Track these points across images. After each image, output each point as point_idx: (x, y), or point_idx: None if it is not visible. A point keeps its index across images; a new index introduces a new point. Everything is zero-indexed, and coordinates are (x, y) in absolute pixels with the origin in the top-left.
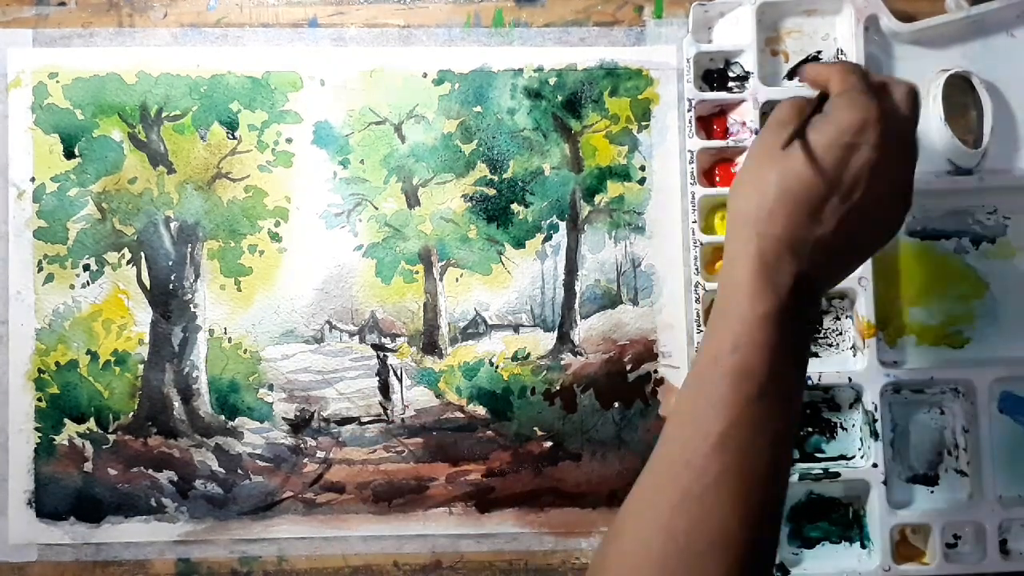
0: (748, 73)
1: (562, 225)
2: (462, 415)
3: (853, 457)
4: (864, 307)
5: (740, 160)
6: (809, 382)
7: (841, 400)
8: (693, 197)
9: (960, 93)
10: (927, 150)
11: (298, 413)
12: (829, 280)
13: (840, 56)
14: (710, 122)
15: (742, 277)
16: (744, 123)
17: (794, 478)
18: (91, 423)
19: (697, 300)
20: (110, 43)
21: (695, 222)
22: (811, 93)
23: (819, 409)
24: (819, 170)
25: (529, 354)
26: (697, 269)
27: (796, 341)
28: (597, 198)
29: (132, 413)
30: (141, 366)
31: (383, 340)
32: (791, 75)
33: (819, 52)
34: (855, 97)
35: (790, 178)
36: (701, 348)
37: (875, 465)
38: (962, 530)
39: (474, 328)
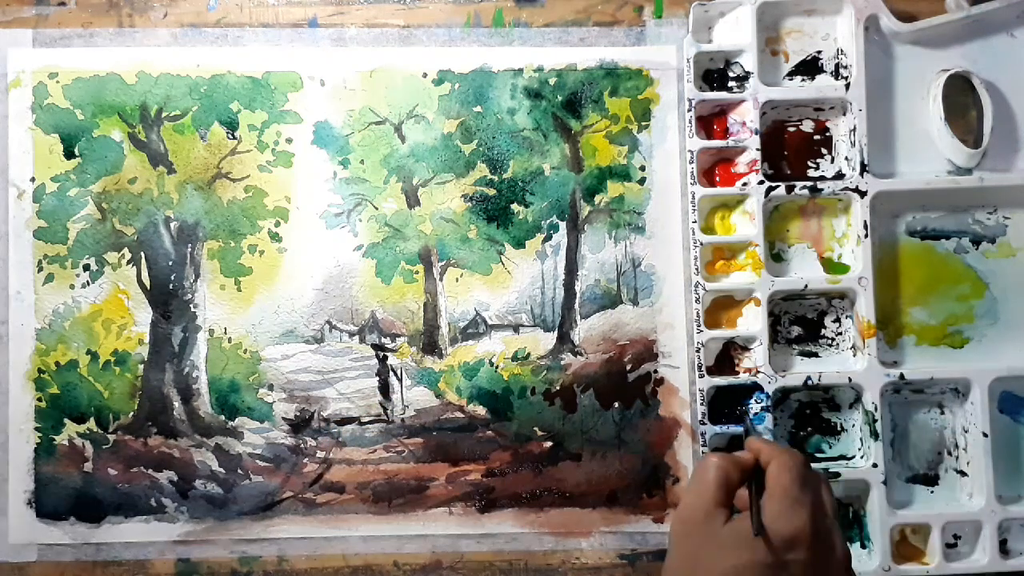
0: (748, 73)
1: (562, 225)
2: (462, 415)
3: (853, 457)
4: (864, 307)
5: (740, 160)
6: (809, 382)
7: (841, 400)
8: (693, 197)
9: (960, 93)
10: (927, 150)
11: (298, 413)
12: None
13: (840, 56)
14: (710, 122)
15: None
16: (744, 123)
17: None
18: (91, 423)
19: (697, 300)
20: (110, 43)
21: (695, 222)
22: None
23: (819, 409)
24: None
25: (529, 354)
26: (697, 269)
27: None
28: (597, 198)
29: (132, 413)
30: (141, 366)
31: (383, 340)
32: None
33: (819, 50)
34: (787, 507)
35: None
36: None
37: (875, 465)
38: (962, 530)
39: (474, 328)
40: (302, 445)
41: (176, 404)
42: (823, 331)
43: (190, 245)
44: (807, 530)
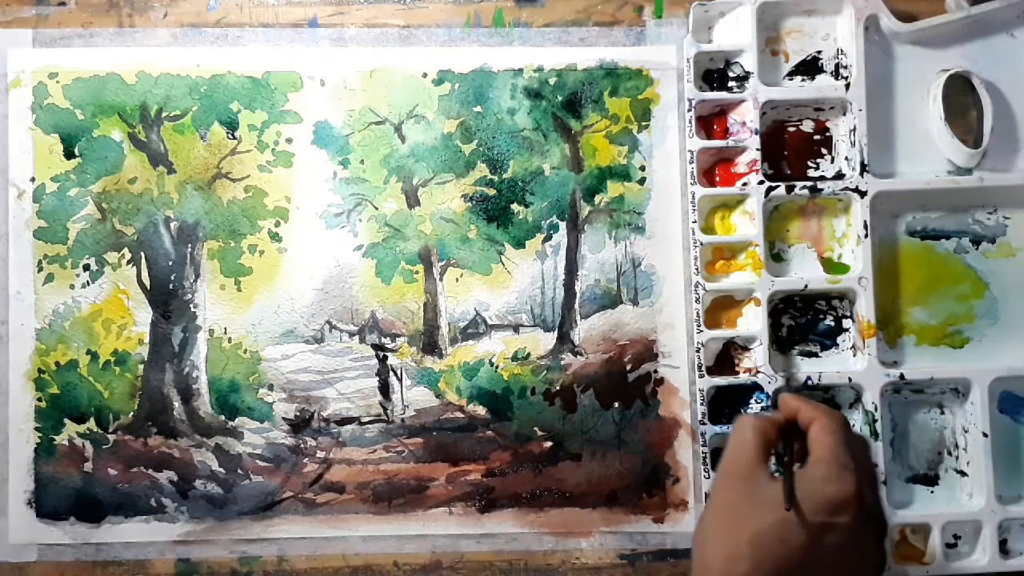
0: (748, 73)
1: (562, 225)
2: (462, 415)
3: None
4: (864, 307)
5: (740, 160)
6: (809, 382)
7: (841, 400)
8: (693, 197)
9: (960, 93)
10: (927, 150)
11: (298, 413)
12: None
13: (840, 56)
14: (710, 122)
15: None
16: (744, 123)
17: None
18: (91, 423)
19: (697, 300)
20: (110, 43)
21: (695, 222)
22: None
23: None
24: (804, 539)
25: (529, 354)
26: (697, 269)
27: None
28: (597, 198)
29: (132, 413)
30: (141, 366)
31: (383, 340)
32: (774, 403)
33: (819, 50)
34: (834, 470)
35: (771, 540)
36: None
37: (875, 465)
38: (962, 530)
39: (474, 328)
40: (302, 445)
41: (176, 404)
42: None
43: (190, 245)
44: (854, 494)
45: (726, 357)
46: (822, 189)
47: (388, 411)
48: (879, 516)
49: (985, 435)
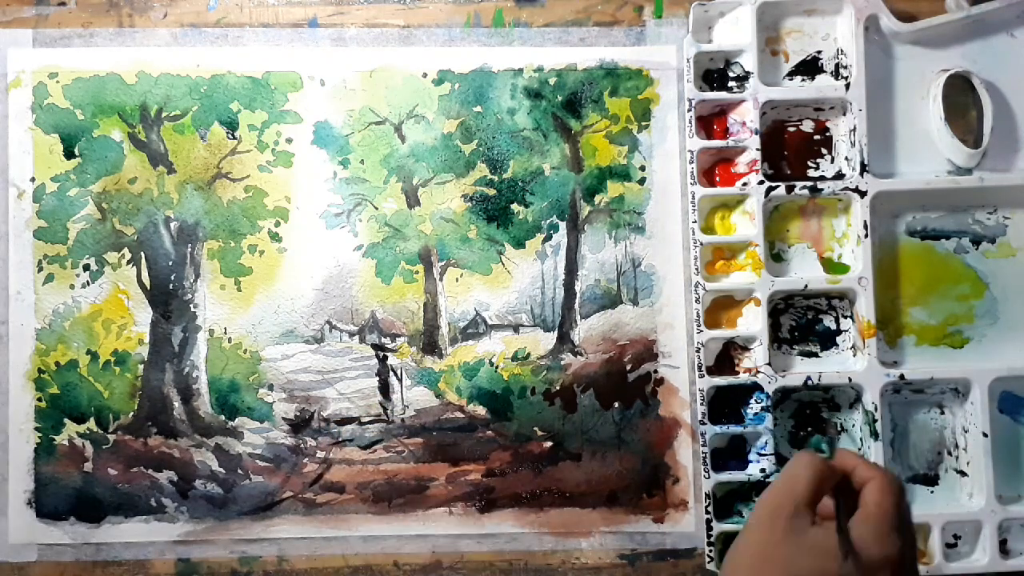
0: (748, 73)
1: (562, 225)
2: (462, 415)
3: None
4: (864, 307)
5: (740, 160)
6: (809, 382)
7: (841, 400)
8: (693, 197)
9: (960, 93)
10: (927, 150)
11: (298, 413)
12: None
13: (840, 56)
14: (710, 122)
15: None
16: (744, 123)
17: None
18: (91, 423)
19: (697, 300)
20: (110, 43)
21: (695, 222)
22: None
23: (819, 409)
24: None
25: (529, 354)
26: (697, 269)
27: None
28: (597, 198)
29: (132, 413)
30: (141, 366)
31: (383, 340)
32: (830, 448)
33: (819, 50)
34: (886, 530)
35: None
36: None
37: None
38: (962, 530)
39: (474, 328)
40: (302, 445)
41: (176, 404)
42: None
43: (190, 245)
44: (897, 558)
45: (726, 357)
46: (822, 189)
47: (388, 411)
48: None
49: (985, 435)
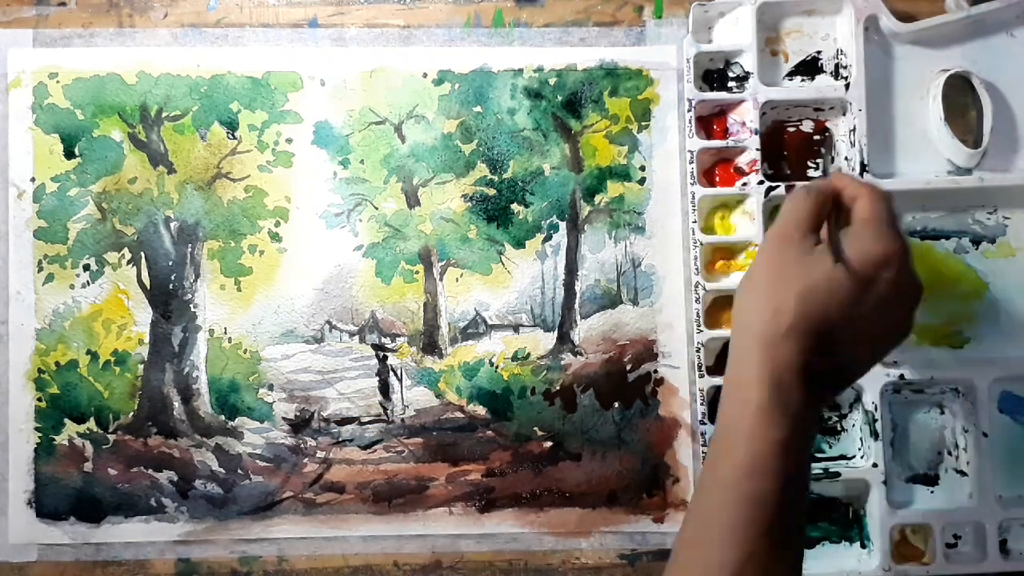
0: (748, 73)
1: (562, 225)
2: (462, 415)
3: (853, 457)
4: None
5: (740, 160)
6: None
7: (841, 400)
8: (693, 197)
9: (960, 93)
10: (927, 150)
11: (298, 413)
12: (838, 390)
13: (840, 56)
14: (710, 122)
15: (755, 400)
16: (744, 123)
17: None
18: (91, 423)
19: (697, 300)
20: (110, 43)
21: (695, 222)
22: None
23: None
24: (850, 292)
25: (529, 354)
26: (697, 269)
27: (808, 459)
28: (597, 198)
29: (132, 413)
30: (141, 366)
31: (383, 340)
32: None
33: (819, 50)
34: (883, 230)
35: (819, 293)
36: (709, 464)
37: (875, 465)
38: (962, 530)
39: (474, 328)
40: (302, 445)
41: (176, 404)
42: None
43: (190, 245)
44: (899, 250)
45: (726, 357)
46: None
47: (388, 411)
48: (916, 283)
49: (985, 435)
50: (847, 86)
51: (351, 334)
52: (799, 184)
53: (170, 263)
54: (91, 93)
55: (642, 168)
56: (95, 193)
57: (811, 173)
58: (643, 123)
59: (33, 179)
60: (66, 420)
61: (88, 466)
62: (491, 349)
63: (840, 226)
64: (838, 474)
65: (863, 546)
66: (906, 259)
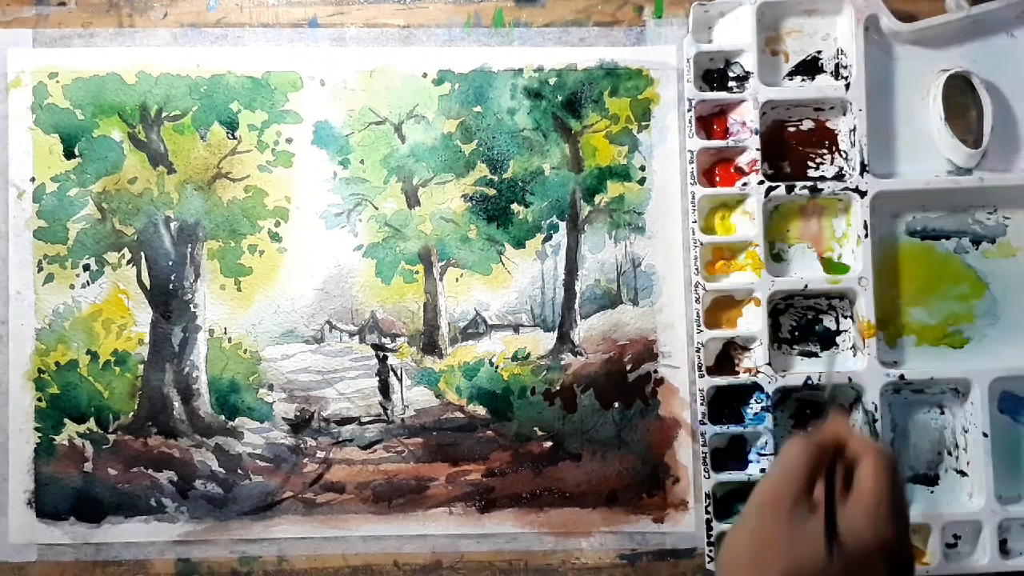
0: (748, 73)
1: (562, 225)
2: (462, 415)
3: None
4: (864, 307)
5: (740, 160)
6: (809, 382)
7: (841, 400)
8: (693, 197)
9: (960, 93)
10: (927, 150)
11: (298, 413)
12: None
13: (840, 56)
14: (710, 122)
15: None
16: (744, 123)
17: None
18: (91, 423)
19: (697, 300)
20: (110, 43)
21: (695, 222)
22: None
23: (819, 409)
24: None
25: (529, 354)
26: (697, 269)
27: None
28: (597, 198)
29: (132, 413)
30: (141, 366)
31: (383, 340)
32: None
33: (819, 50)
34: (884, 513)
35: None
36: None
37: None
38: (962, 530)
39: (474, 328)
40: (302, 445)
41: (176, 404)
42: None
43: (190, 245)
44: (893, 543)
45: (726, 357)
46: (822, 189)
47: (388, 411)
48: (910, 564)
49: (985, 435)
50: (847, 86)
51: (351, 334)
52: (795, 440)
53: (170, 263)
54: (91, 93)
55: (642, 168)
56: (95, 193)
57: (811, 173)
58: (643, 123)
59: (33, 179)
60: (66, 420)
61: (88, 466)
62: (491, 349)
63: (844, 485)
64: None
65: None
66: (899, 551)
